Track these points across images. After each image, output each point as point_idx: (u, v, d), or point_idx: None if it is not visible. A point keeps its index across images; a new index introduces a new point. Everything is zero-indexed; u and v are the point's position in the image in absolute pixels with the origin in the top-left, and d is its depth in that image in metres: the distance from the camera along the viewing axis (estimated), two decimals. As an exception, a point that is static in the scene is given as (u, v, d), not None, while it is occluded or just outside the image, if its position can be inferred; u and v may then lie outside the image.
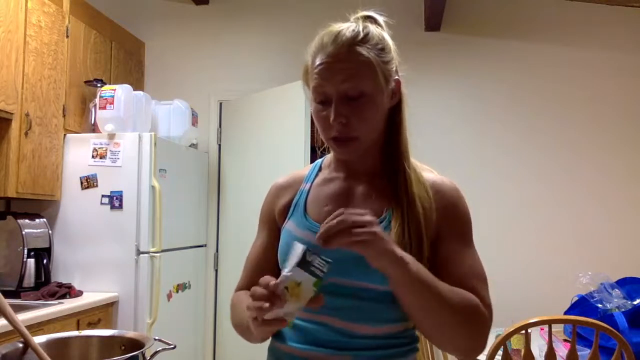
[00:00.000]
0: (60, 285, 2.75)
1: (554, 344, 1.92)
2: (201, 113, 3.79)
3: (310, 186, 1.12)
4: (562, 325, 2.44)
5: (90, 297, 2.73)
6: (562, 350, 2.14)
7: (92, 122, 3.12)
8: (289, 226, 1.08)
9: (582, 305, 2.47)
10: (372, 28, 1.02)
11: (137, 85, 3.70)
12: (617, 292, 2.42)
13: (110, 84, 3.23)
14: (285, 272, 0.84)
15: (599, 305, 2.37)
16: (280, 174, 1.21)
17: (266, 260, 1.12)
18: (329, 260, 0.84)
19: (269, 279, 0.84)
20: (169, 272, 3.12)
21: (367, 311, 0.99)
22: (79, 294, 2.79)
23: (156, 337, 1.12)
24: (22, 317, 2.13)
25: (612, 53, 3.69)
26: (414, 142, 1.08)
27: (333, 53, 0.99)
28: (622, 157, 3.63)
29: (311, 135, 3.24)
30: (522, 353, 1.94)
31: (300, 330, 1.01)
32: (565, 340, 2.34)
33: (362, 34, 1.00)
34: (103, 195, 2.94)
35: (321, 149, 1.17)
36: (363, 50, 0.98)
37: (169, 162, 3.17)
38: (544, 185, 3.67)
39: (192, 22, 4.02)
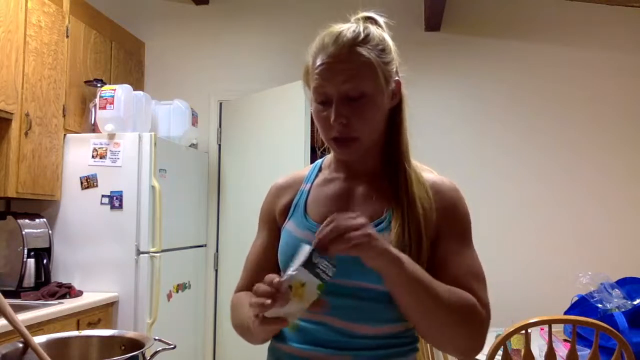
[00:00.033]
0: (60, 285, 2.75)
1: (554, 344, 1.92)
2: (201, 113, 3.79)
3: (311, 186, 1.13)
4: (562, 325, 2.44)
5: (90, 297, 2.73)
6: (562, 350, 2.14)
7: (92, 122, 3.12)
8: (289, 226, 1.08)
9: (582, 305, 2.47)
10: (373, 29, 1.02)
11: (137, 85, 3.70)
12: (617, 292, 2.42)
13: (110, 84, 3.23)
14: (290, 270, 0.84)
15: (599, 305, 2.37)
16: (280, 174, 1.21)
17: (266, 260, 1.12)
18: (335, 265, 0.83)
19: (273, 276, 0.84)
20: (169, 272, 3.12)
21: (367, 311, 0.99)
22: (79, 294, 2.79)
23: (156, 337, 1.12)
24: (22, 317, 2.13)
25: (612, 53, 3.69)
26: (414, 142, 1.08)
27: (334, 53, 0.99)
28: (622, 157, 3.63)
29: (311, 136, 3.24)
30: (522, 353, 1.94)
31: (300, 330, 1.01)
32: (565, 340, 2.34)
33: (362, 35, 1.00)
34: (103, 195, 2.94)
35: (321, 149, 1.17)
36: (364, 51, 0.99)
37: (169, 162, 3.17)
38: (544, 185, 3.67)
39: (192, 22, 4.02)
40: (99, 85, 3.13)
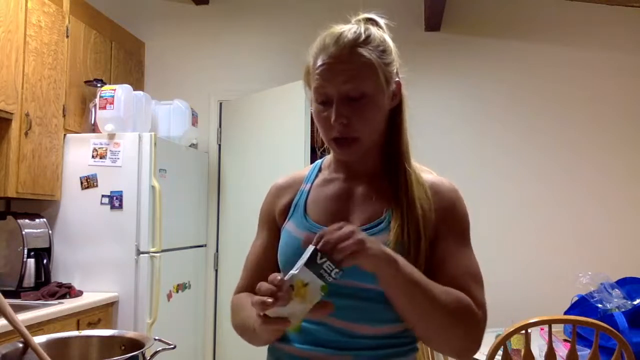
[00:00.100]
0: (60, 285, 2.75)
1: (554, 344, 1.92)
2: (201, 113, 3.79)
3: (310, 187, 1.13)
4: (562, 325, 2.44)
5: (90, 297, 2.73)
6: (562, 350, 2.14)
7: (92, 122, 3.12)
8: (289, 226, 1.09)
9: (582, 305, 2.47)
10: (374, 30, 1.03)
11: (137, 85, 3.70)
12: (617, 292, 2.42)
13: (110, 84, 3.23)
14: (292, 270, 0.83)
15: (599, 305, 2.37)
16: (280, 174, 1.21)
17: (266, 261, 1.12)
18: (340, 268, 0.82)
19: (276, 275, 0.84)
20: (169, 272, 3.12)
21: (367, 311, 0.99)
22: (79, 294, 2.79)
23: (156, 337, 1.12)
24: (22, 317, 2.13)
25: (612, 53, 3.69)
26: (414, 142, 1.08)
27: (335, 54, 0.99)
28: (622, 157, 3.63)
29: (311, 136, 3.24)
30: (522, 353, 1.94)
31: (300, 331, 1.01)
32: (565, 340, 2.34)
33: (363, 36, 1.00)
34: (103, 195, 2.94)
35: (321, 150, 1.17)
36: (365, 51, 0.99)
37: (169, 162, 3.17)
38: (544, 185, 3.67)
39: (192, 22, 4.02)
40: (99, 85, 3.13)
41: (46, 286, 2.70)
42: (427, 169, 1.10)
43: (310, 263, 0.82)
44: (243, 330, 1.05)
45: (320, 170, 1.16)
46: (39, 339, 1.03)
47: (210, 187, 3.87)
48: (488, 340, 1.98)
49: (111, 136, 2.98)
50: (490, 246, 3.51)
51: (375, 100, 1.00)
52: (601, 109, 3.68)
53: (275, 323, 0.84)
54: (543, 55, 3.74)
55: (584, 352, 2.04)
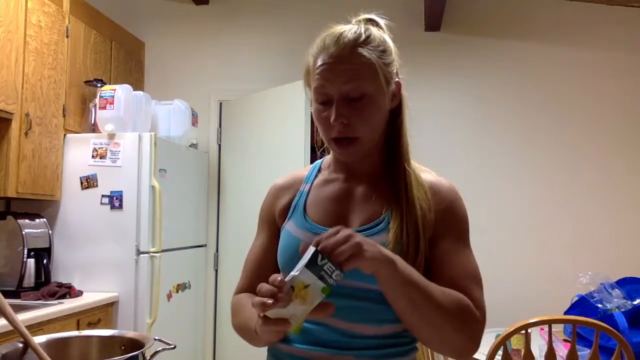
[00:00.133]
0: (60, 285, 2.75)
1: (554, 344, 1.92)
2: (201, 113, 3.79)
3: (310, 187, 1.13)
4: (562, 325, 2.44)
5: (90, 297, 2.73)
6: (562, 350, 2.14)
7: (92, 122, 3.12)
8: (289, 227, 1.09)
9: (582, 305, 2.47)
10: (374, 30, 1.03)
11: (137, 85, 3.70)
12: (617, 292, 2.42)
13: (110, 84, 3.23)
14: (293, 271, 0.83)
15: (599, 305, 2.37)
16: (280, 174, 1.21)
17: (266, 261, 1.12)
18: (342, 270, 0.82)
19: (277, 276, 0.84)
20: (169, 272, 3.12)
21: (368, 311, 0.99)
22: (79, 294, 2.79)
23: (156, 337, 1.12)
24: (22, 317, 2.13)
25: (612, 53, 3.69)
26: (414, 142, 1.08)
27: (335, 54, 0.99)
28: (622, 157, 3.63)
29: (311, 136, 3.24)
30: (522, 353, 1.94)
31: (301, 331, 1.01)
32: (565, 340, 2.34)
33: (364, 36, 1.00)
34: (103, 195, 2.94)
35: (321, 150, 1.17)
36: (365, 51, 0.99)
37: (169, 162, 3.17)
38: (544, 185, 3.67)
39: (192, 22, 4.02)
40: (99, 85, 3.13)
41: (46, 286, 2.70)
42: (426, 169, 1.11)
43: (311, 264, 0.82)
44: (244, 331, 1.05)
45: (319, 170, 1.16)
46: (39, 339, 1.03)
47: (210, 187, 3.87)
48: (488, 340, 1.98)
49: (111, 136, 2.98)
50: (491, 246, 3.51)
51: (375, 100, 1.00)
52: (601, 109, 3.68)
53: (275, 324, 0.84)
54: (543, 55, 3.74)
55: (584, 352, 2.04)
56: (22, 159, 2.65)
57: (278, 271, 1.10)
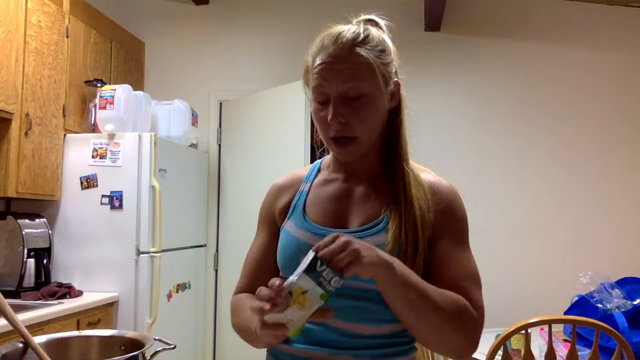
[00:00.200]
0: (60, 285, 2.75)
1: (554, 344, 1.92)
2: (201, 113, 3.79)
3: (310, 187, 1.13)
4: (562, 325, 2.44)
5: (90, 297, 2.73)
6: (562, 350, 2.14)
7: (92, 122, 3.12)
8: (288, 226, 1.09)
9: (582, 305, 2.47)
10: (373, 30, 1.03)
11: (137, 85, 3.70)
12: (617, 292, 2.42)
13: (110, 84, 3.23)
14: (291, 276, 0.83)
15: (599, 305, 2.37)
16: (280, 174, 1.22)
17: (265, 260, 1.13)
18: (341, 276, 0.82)
19: (276, 280, 0.83)
20: (169, 272, 3.12)
21: (367, 311, 0.99)
22: (79, 294, 2.79)
23: (156, 337, 1.12)
24: (22, 317, 2.13)
25: (612, 53, 3.69)
26: (414, 142, 1.08)
27: (333, 54, 0.99)
28: (622, 157, 3.63)
29: (311, 135, 3.24)
30: (522, 353, 1.94)
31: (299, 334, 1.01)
32: (565, 340, 2.34)
33: (362, 36, 1.00)
34: (103, 195, 2.94)
35: (321, 150, 1.17)
36: (363, 51, 0.99)
37: (169, 162, 3.17)
38: (544, 185, 3.67)
39: (192, 22, 4.02)
40: (99, 85, 3.13)
41: (46, 286, 2.70)
42: (426, 169, 1.11)
43: (310, 270, 0.81)
44: (243, 331, 1.05)
45: (319, 170, 1.16)
46: (39, 339, 1.03)
47: (210, 187, 3.87)
48: (488, 340, 1.98)
49: (111, 136, 2.98)
50: (491, 246, 3.51)
51: (373, 100, 1.00)
52: (601, 109, 3.68)
53: (273, 329, 0.84)
54: (543, 55, 3.74)
55: (584, 352, 2.04)
56: (22, 159, 2.65)
57: (278, 271, 1.10)
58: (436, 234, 1.01)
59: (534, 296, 3.42)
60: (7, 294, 2.50)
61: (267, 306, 0.81)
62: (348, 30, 1.02)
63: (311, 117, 1.07)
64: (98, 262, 2.91)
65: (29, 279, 2.71)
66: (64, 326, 2.43)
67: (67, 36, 3.00)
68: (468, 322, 0.95)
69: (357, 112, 0.99)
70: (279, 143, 3.42)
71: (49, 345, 1.05)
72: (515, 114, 3.73)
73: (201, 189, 3.74)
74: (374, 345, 1.00)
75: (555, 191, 3.65)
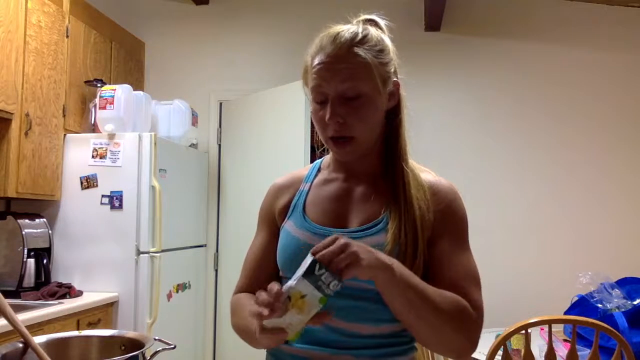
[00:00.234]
0: (60, 285, 2.75)
1: (554, 344, 1.92)
2: (201, 113, 3.79)
3: (310, 186, 1.13)
4: (562, 325, 2.44)
5: (90, 297, 2.73)
6: (562, 350, 2.14)
7: (92, 122, 3.12)
8: (288, 226, 1.09)
9: (582, 305, 2.47)
10: (372, 30, 1.03)
11: (137, 85, 3.70)
12: (617, 292, 2.42)
13: (110, 84, 3.23)
14: (290, 281, 0.83)
15: (599, 305, 2.37)
16: (280, 174, 1.22)
17: (265, 260, 1.13)
18: (340, 280, 0.82)
19: (275, 285, 0.83)
20: (169, 272, 3.12)
21: (367, 311, 0.99)
22: (79, 294, 2.79)
23: (156, 337, 1.12)
24: (22, 317, 2.13)
25: (612, 53, 3.69)
26: (414, 142, 1.08)
27: (331, 53, 0.99)
28: (622, 156, 3.63)
29: (311, 135, 3.24)
30: (522, 353, 1.94)
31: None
32: (565, 340, 2.34)
33: (360, 36, 1.01)
34: (103, 195, 2.94)
35: (321, 149, 1.17)
36: (361, 51, 0.99)
37: (169, 162, 3.17)
38: (544, 185, 3.67)
39: (192, 22, 4.02)
40: (99, 85, 3.13)
41: (46, 286, 2.70)
42: (426, 169, 1.11)
43: (308, 274, 0.81)
44: (243, 332, 1.05)
45: (319, 170, 1.16)
46: (39, 339, 1.03)
47: (210, 187, 3.87)
48: (488, 340, 1.98)
49: (111, 136, 2.98)
50: (491, 246, 3.51)
51: (371, 99, 1.01)
52: (601, 109, 3.68)
53: (272, 333, 0.84)
54: (543, 55, 3.74)
55: (584, 352, 2.04)
56: (22, 159, 2.65)
57: (277, 270, 1.10)
58: (436, 234, 1.01)
59: (534, 296, 3.42)
60: (7, 294, 2.50)
61: (265, 311, 0.81)
62: (346, 30, 1.02)
63: (311, 117, 1.07)
64: (98, 262, 2.91)
65: (29, 279, 2.71)
66: (64, 326, 2.43)
67: (67, 36, 3.00)
68: (467, 322, 0.95)
69: (356, 112, 1.00)
70: (279, 143, 3.42)
71: (49, 345, 1.05)
72: (515, 114, 3.73)
73: (201, 189, 3.74)
74: (374, 345, 1.00)
75: (555, 191, 3.65)
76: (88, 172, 2.96)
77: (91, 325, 2.65)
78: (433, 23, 3.74)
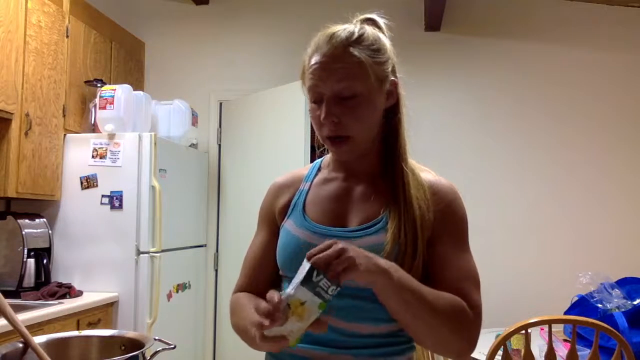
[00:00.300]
0: (60, 285, 2.75)
1: (554, 344, 1.92)
2: (201, 113, 3.79)
3: (310, 186, 1.13)
4: (562, 325, 2.44)
5: (90, 297, 2.73)
6: (562, 350, 2.14)
7: (92, 122, 3.12)
8: (288, 225, 1.09)
9: (582, 305, 2.47)
10: (369, 29, 1.03)
11: (137, 85, 3.70)
12: (617, 292, 2.42)
13: (110, 84, 3.23)
14: (289, 289, 0.83)
15: (599, 305, 2.37)
16: (280, 174, 1.22)
17: (265, 259, 1.13)
18: (338, 285, 0.82)
19: (274, 295, 0.83)
20: (169, 272, 3.12)
21: (364, 310, 0.99)
22: (79, 294, 2.79)
23: (156, 337, 1.12)
24: (22, 317, 2.13)
25: (612, 53, 3.69)
26: (414, 142, 1.08)
27: (327, 53, 1.00)
28: (622, 156, 3.63)
29: (311, 135, 3.24)
30: (522, 353, 1.94)
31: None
32: (565, 340, 2.34)
33: (356, 35, 1.01)
34: (103, 195, 2.94)
35: (321, 149, 1.17)
36: (355, 51, 0.99)
37: (169, 162, 3.17)
38: (544, 185, 3.67)
39: (192, 22, 4.02)
40: (99, 85, 3.13)
41: (46, 286, 2.70)
42: (426, 168, 1.11)
43: (307, 281, 0.81)
44: (243, 333, 1.05)
45: (319, 169, 1.17)
46: (39, 339, 1.03)
47: (210, 187, 3.87)
48: (488, 340, 1.98)
49: (111, 136, 2.98)
50: (491, 246, 3.51)
51: (367, 99, 1.00)
52: (601, 109, 3.67)
53: (273, 341, 0.84)
54: (543, 55, 3.74)
55: (584, 352, 2.04)
56: (22, 159, 2.65)
57: (277, 269, 1.10)
58: (435, 234, 1.01)
59: (534, 296, 3.42)
60: (7, 294, 2.50)
61: (267, 322, 0.81)
62: (343, 30, 1.02)
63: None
64: (98, 262, 2.91)
65: (29, 279, 2.71)
66: (64, 326, 2.43)
67: (67, 36, 3.00)
68: (465, 323, 0.95)
69: (352, 112, 1.00)
70: (279, 143, 3.42)
71: (49, 345, 1.05)
72: (515, 114, 3.73)
73: (201, 189, 3.74)
74: (373, 345, 1.00)
75: (555, 191, 3.65)
76: (88, 172, 2.96)
77: (91, 325, 2.65)
78: (433, 23, 3.74)
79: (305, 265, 0.83)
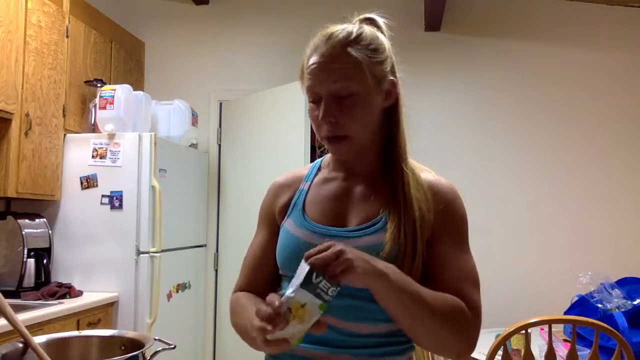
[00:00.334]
0: (60, 285, 2.75)
1: (554, 344, 1.92)
2: (201, 113, 3.79)
3: (310, 185, 1.13)
4: (562, 325, 2.44)
5: (90, 297, 2.73)
6: (562, 350, 2.14)
7: (92, 122, 3.12)
8: (288, 225, 1.09)
9: (582, 305, 2.47)
10: (367, 29, 1.03)
11: (137, 85, 3.70)
12: (617, 292, 2.42)
13: (110, 84, 3.23)
14: (288, 292, 0.83)
15: (599, 305, 2.37)
16: (280, 174, 1.22)
17: (265, 258, 1.13)
18: (338, 285, 0.82)
19: (274, 298, 0.83)
20: (169, 272, 3.12)
21: (363, 310, 0.99)
22: (79, 294, 2.79)
23: (156, 337, 1.12)
24: (22, 317, 2.13)
25: (612, 53, 3.69)
26: (414, 142, 1.08)
27: (325, 53, 1.00)
28: (622, 156, 3.63)
29: (311, 135, 3.24)
30: (522, 353, 1.94)
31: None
32: (565, 340, 2.34)
33: (354, 35, 1.01)
34: (103, 195, 2.94)
35: (321, 149, 1.17)
36: (353, 51, 1.00)
37: (169, 162, 3.17)
38: (544, 185, 3.67)
39: (192, 22, 4.02)
40: (99, 85, 3.13)
41: (46, 286, 2.70)
42: (426, 168, 1.11)
43: (306, 283, 0.81)
44: (243, 333, 1.05)
45: (319, 169, 1.17)
46: (39, 339, 1.03)
47: (210, 187, 3.87)
48: (488, 340, 1.98)
49: (111, 136, 2.98)
50: (491, 246, 3.51)
51: (365, 98, 1.01)
52: (601, 109, 3.67)
53: (275, 344, 0.84)
54: (543, 55, 3.74)
55: (584, 352, 2.04)
56: (22, 159, 2.65)
57: (277, 269, 1.10)
58: (435, 234, 1.01)
59: (534, 296, 3.42)
60: (7, 294, 2.50)
61: (269, 327, 0.81)
62: (341, 30, 1.02)
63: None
64: (98, 262, 2.91)
65: (29, 279, 2.71)
66: (64, 326, 2.43)
67: (67, 36, 3.00)
68: (464, 323, 0.95)
69: (349, 111, 1.00)
70: (279, 143, 3.42)
71: (49, 345, 1.05)
72: (515, 114, 3.73)
73: (201, 189, 3.74)
74: (372, 344, 1.00)
75: (555, 191, 3.65)
76: (88, 172, 2.96)
77: (91, 325, 2.65)
78: (433, 23, 3.74)
79: (304, 267, 0.83)
